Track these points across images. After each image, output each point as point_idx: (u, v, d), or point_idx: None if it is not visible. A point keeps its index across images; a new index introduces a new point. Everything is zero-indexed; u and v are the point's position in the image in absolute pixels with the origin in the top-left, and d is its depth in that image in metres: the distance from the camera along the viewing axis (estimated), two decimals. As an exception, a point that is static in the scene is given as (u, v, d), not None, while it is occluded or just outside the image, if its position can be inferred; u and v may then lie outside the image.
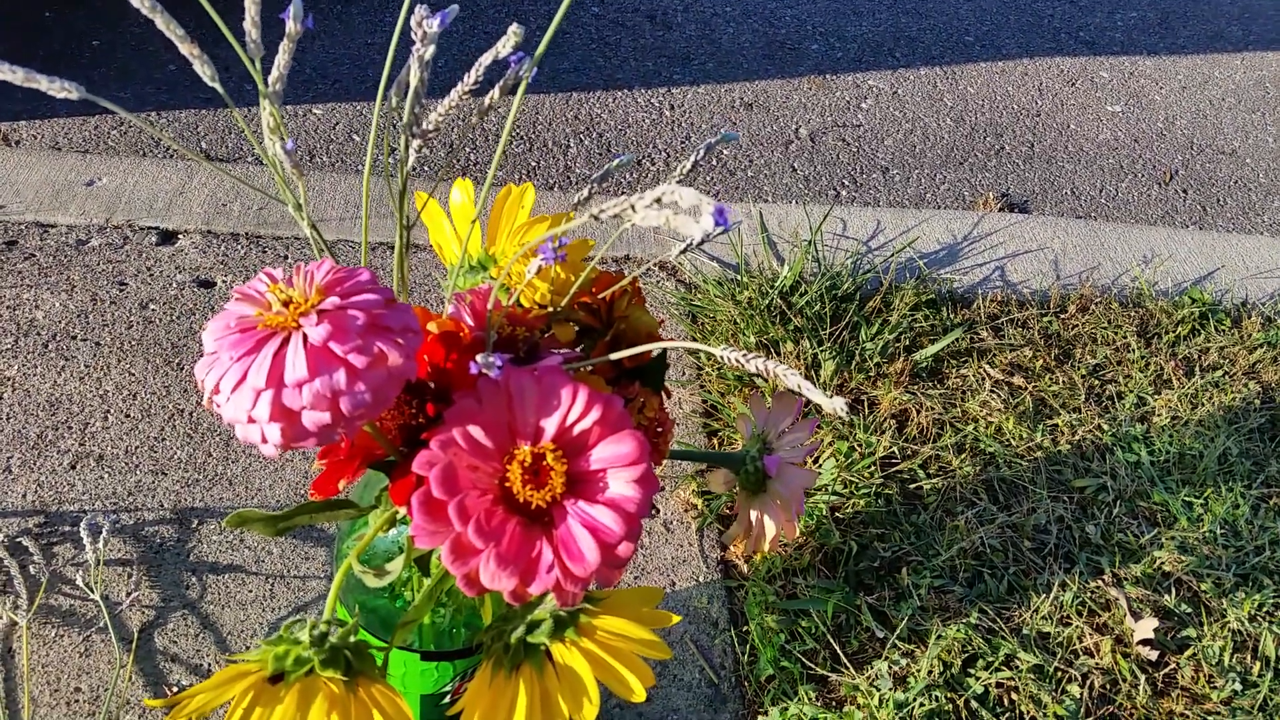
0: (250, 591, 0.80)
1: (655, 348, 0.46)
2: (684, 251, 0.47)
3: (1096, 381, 1.05)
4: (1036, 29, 1.96)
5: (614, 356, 0.47)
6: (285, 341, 0.38)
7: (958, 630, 0.79)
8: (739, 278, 1.10)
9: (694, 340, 1.05)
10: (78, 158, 1.19)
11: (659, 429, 0.51)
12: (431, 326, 0.50)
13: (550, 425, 0.43)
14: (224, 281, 1.05)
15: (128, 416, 0.91)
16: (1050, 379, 1.04)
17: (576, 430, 0.43)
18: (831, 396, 0.37)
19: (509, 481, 0.42)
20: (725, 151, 1.50)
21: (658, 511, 0.89)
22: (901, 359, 1.01)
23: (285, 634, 0.44)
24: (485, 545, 0.40)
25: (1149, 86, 1.85)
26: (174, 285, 1.04)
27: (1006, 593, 0.84)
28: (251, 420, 0.39)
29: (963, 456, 0.93)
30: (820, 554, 0.85)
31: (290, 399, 0.38)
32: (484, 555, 0.40)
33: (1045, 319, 1.11)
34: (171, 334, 0.98)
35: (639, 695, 0.46)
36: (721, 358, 0.40)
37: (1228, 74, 1.94)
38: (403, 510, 0.45)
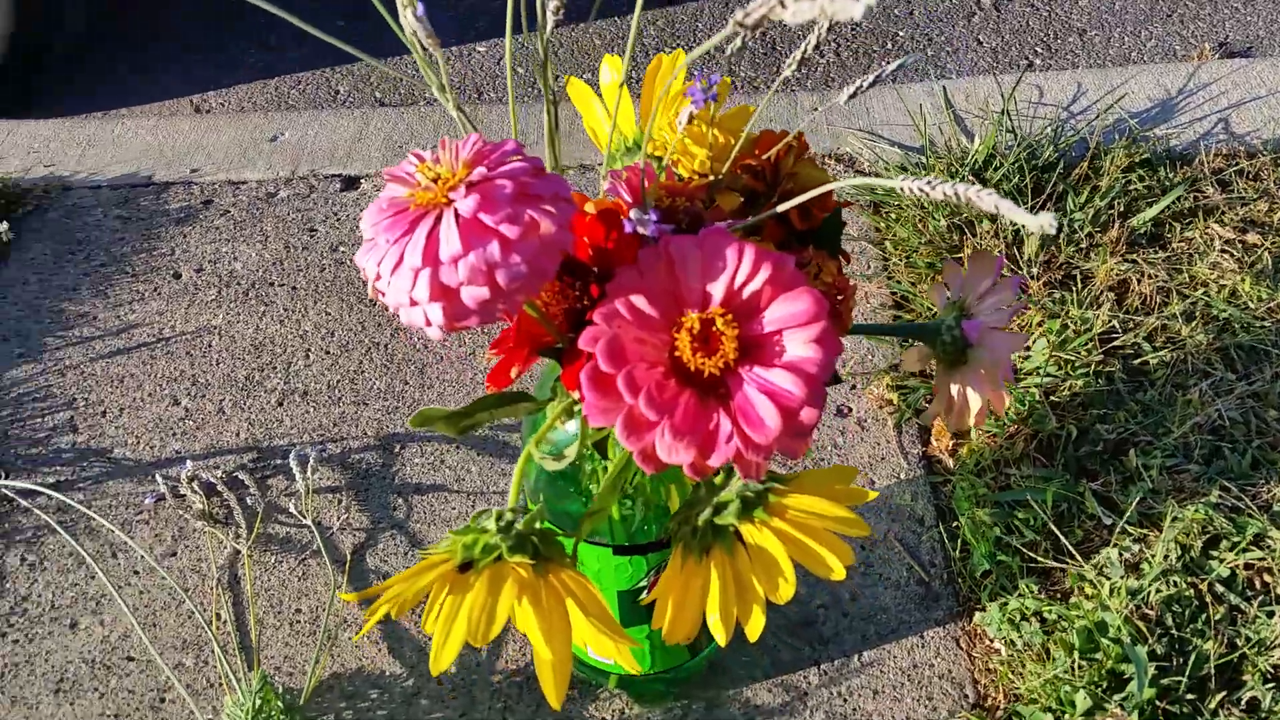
0: (454, 509, 0.81)
1: (824, 189, 0.42)
2: (854, 95, 0.43)
3: (1349, 232, 0.93)
4: None
5: (781, 208, 0.43)
6: (438, 219, 0.37)
7: (1196, 511, 0.71)
8: (924, 159, 1.03)
9: (877, 232, 0.99)
10: (260, 116, 1.23)
11: (839, 295, 0.47)
12: (589, 207, 0.47)
13: (717, 289, 0.40)
14: (404, 218, 1.07)
15: (327, 353, 0.94)
16: (1292, 234, 0.92)
17: (746, 293, 0.40)
18: (1037, 213, 0.32)
19: (678, 351, 0.39)
20: (899, 31, 1.41)
21: (850, 410, 0.85)
22: (1116, 226, 0.92)
23: (473, 524, 0.43)
24: (658, 417, 0.38)
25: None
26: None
27: (1250, 468, 0.75)
28: (414, 302, 0.38)
29: (1193, 325, 0.84)
30: (1035, 442, 0.79)
31: (447, 276, 0.37)
32: (658, 428, 0.38)
33: (1282, 169, 0.99)
34: (364, 279, 1.01)
35: (838, 573, 0.43)
36: (903, 190, 0.36)
37: None
38: (577, 397, 0.43)
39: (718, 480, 0.47)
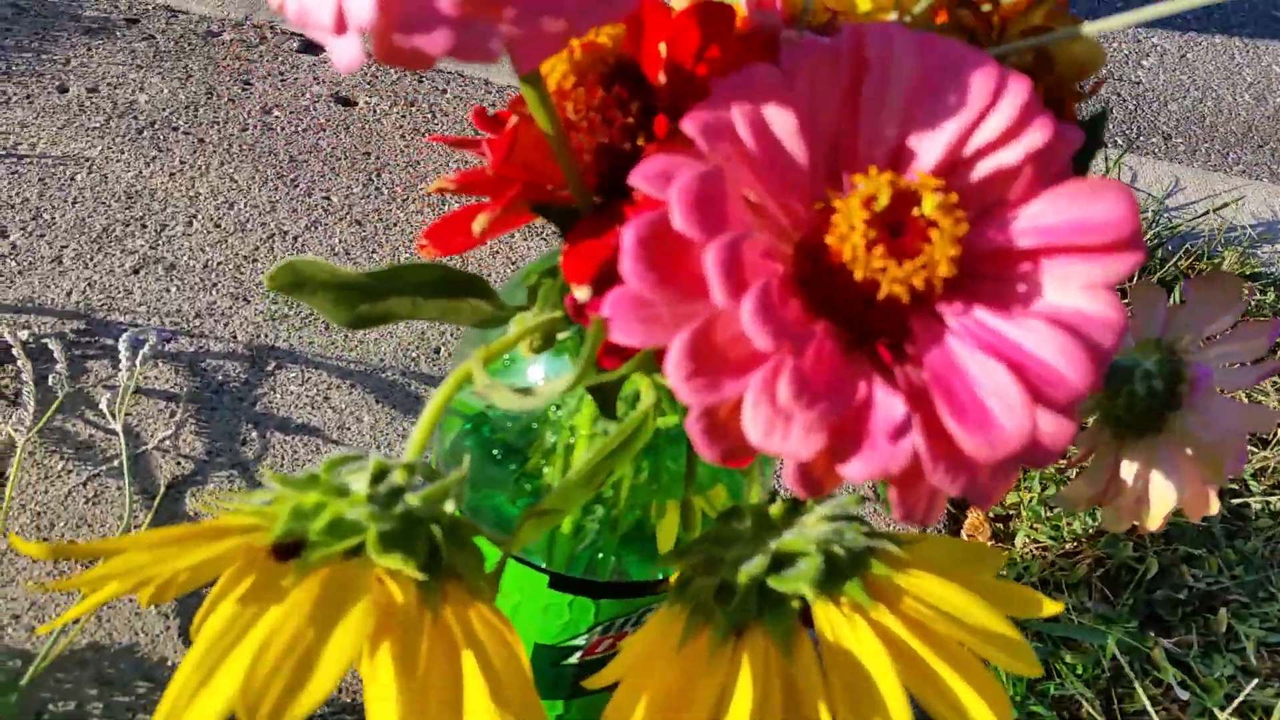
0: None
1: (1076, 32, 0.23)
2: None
3: None
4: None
5: (1012, 46, 0.24)
6: None
7: (1299, 717, 0.53)
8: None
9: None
10: (230, -51, 1.01)
11: None
12: (678, 2, 0.27)
13: (933, 144, 0.20)
14: (368, 103, 0.86)
15: (217, 226, 0.72)
16: None
17: (983, 165, 0.20)
18: None
19: (836, 239, 0.19)
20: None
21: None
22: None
23: (324, 474, 0.23)
24: (775, 346, 0.18)
25: None
26: (307, 96, 0.85)
27: (1367, 677, 0.57)
28: None
29: (1311, 474, 0.67)
30: (1100, 569, 0.60)
31: None
32: (764, 370, 0.18)
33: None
34: (293, 147, 0.79)
35: (991, 738, 0.23)
36: None
37: None
38: (579, 299, 0.23)
39: (774, 512, 0.26)
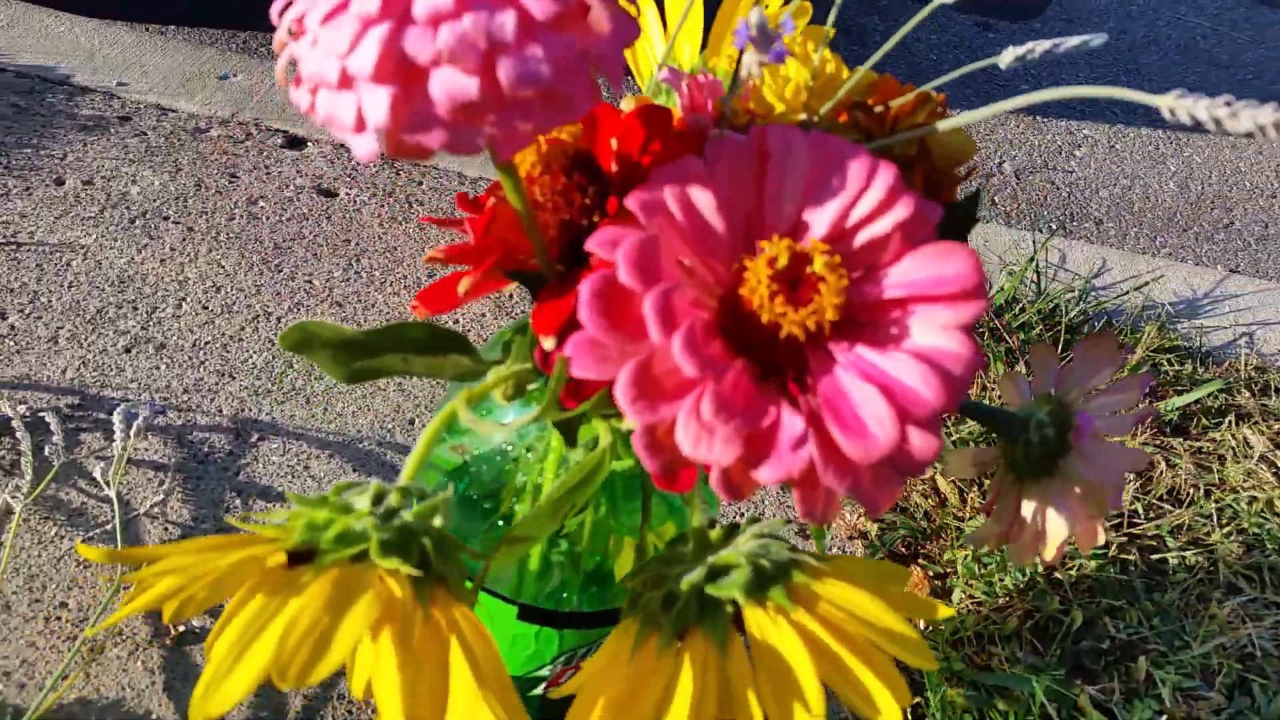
0: (302, 528, 0.63)
1: (957, 122, 0.28)
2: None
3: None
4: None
5: (897, 139, 0.29)
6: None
7: (1214, 754, 0.57)
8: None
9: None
10: (216, 53, 1.08)
11: None
12: (627, 104, 0.33)
13: (822, 217, 0.25)
14: (348, 194, 0.91)
15: (204, 308, 0.76)
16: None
17: (863, 234, 0.25)
18: None
19: (748, 290, 0.24)
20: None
21: (796, 527, 0.70)
22: (1143, 404, 0.80)
23: (333, 496, 0.27)
24: (699, 373, 0.23)
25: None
26: (291, 188, 0.90)
27: None
28: (346, 79, 0.23)
29: (1224, 530, 0.72)
30: (1029, 621, 0.64)
31: (415, 43, 0.22)
32: (692, 395, 0.23)
33: (1311, 399, 0.89)
34: (277, 234, 0.84)
35: (889, 716, 0.28)
36: (1173, 111, 0.22)
37: None
38: (545, 349, 0.28)
39: (713, 535, 0.31)
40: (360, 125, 0.22)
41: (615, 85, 0.24)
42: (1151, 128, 1.56)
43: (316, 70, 0.22)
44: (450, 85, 0.21)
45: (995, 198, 1.31)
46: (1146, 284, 0.99)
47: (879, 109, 0.34)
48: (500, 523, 0.39)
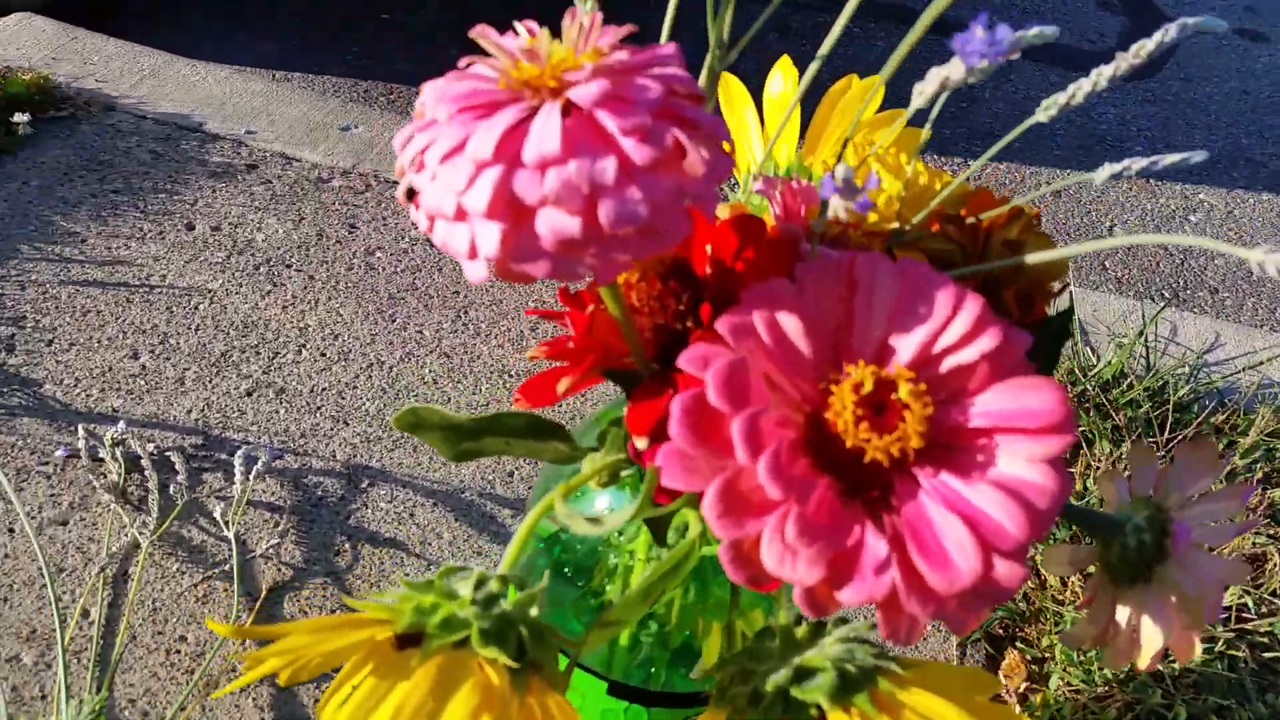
0: (408, 574, 0.66)
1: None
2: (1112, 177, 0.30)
3: None
4: None
5: (977, 268, 0.30)
6: (535, 110, 0.24)
7: None
8: (1041, 357, 0.90)
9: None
10: (339, 103, 1.13)
11: None
12: (722, 211, 0.35)
13: (907, 344, 0.26)
14: (457, 246, 0.94)
15: (323, 355, 0.80)
16: None
17: (949, 361, 0.26)
18: None
19: (833, 414, 0.25)
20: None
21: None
22: (1256, 492, 0.78)
23: (438, 581, 0.29)
24: (784, 495, 0.24)
25: None
26: (407, 239, 0.94)
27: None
28: (461, 213, 0.24)
29: (1339, 630, 0.69)
30: (1129, 714, 0.63)
31: (525, 185, 0.24)
32: (777, 514, 0.24)
33: None
34: (393, 285, 0.88)
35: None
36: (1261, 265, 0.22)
37: None
38: (638, 447, 0.29)
39: (800, 633, 0.32)
40: (473, 253, 0.24)
41: (708, 217, 0.25)
42: (1274, 193, 1.52)
43: (435, 204, 0.24)
44: (555, 224, 0.23)
45: (1106, 263, 1.29)
46: (1262, 362, 0.96)
47: (971, 221, 0.35)
48: (592, 598, 0.41)
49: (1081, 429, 0.81)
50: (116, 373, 0.75)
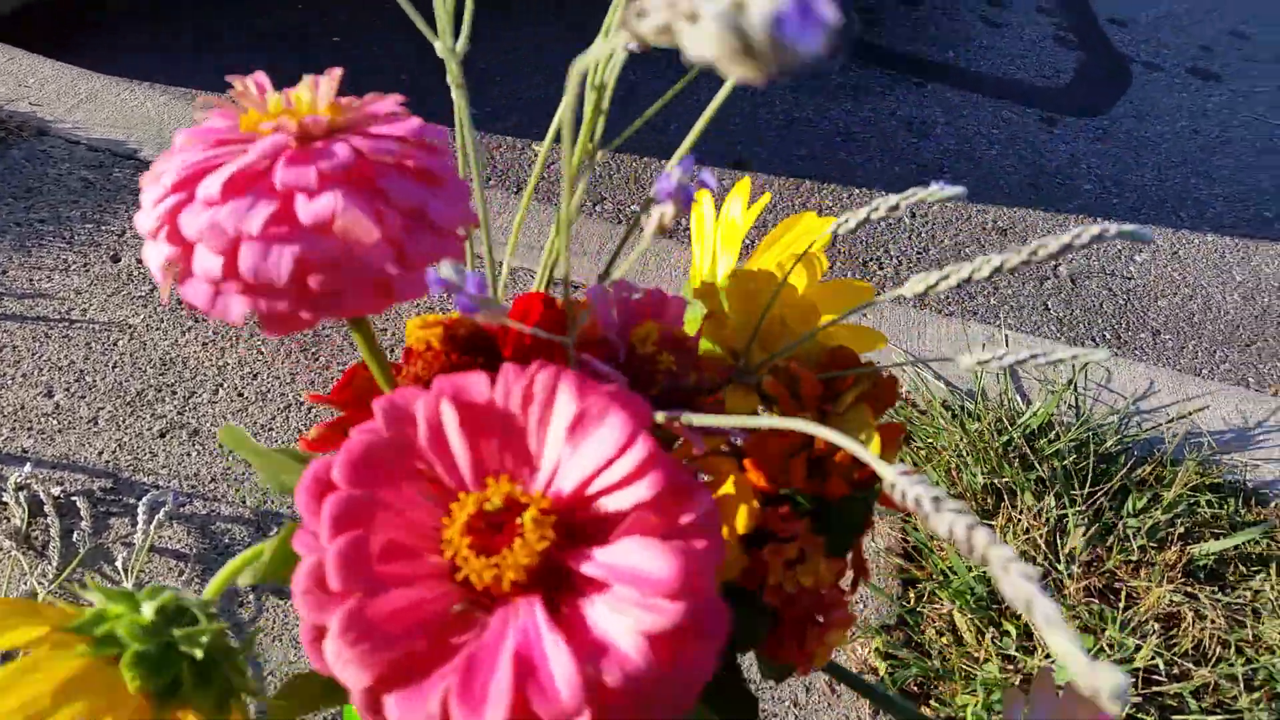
0: (309, 630, 0.64)
1: (754, 424, 0.27)
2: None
3: None
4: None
5: (739, 424, 0.27)
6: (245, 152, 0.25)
7: None
8: (971, 406, 0.90)
9: (910, 462, 0.86)
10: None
11: (817, 614, 0.31)
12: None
13: (573, 472, 0.23)
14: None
15: (240, 395, 0.78)
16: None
17: (603, 504, 0.24)
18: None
19: (448, 520, 0.23)
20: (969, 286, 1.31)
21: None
22: (1175, 548, 0.78)
23: (144, 595, 0.28)
24: (345, 588, 0.22)
25: None
26: (336, 273, 0.93)
27: None
28: (153, 231, 0.25)
29: (1254, 696, 0.69)
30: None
31: (190, 220, 0.24)
32: (343, 607, 0.22)
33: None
34: (322, 326, 0.86)
35: None
36: (894, 488, 0.20)
37: None
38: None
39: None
40: (162, 274, 0.24)
41: (400, 293, 0.24)
42: (1218, 234, 1.53)
43: (142, 221, 0.24)
44: (203, 262, 0.22)
45: (1049, 302, 1.29)
46: (1192, 412, 0.96)
47: (805, 386, 0.32)
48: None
49: (1005, 479, 0.81)
50: (29, 411, 0.74)
